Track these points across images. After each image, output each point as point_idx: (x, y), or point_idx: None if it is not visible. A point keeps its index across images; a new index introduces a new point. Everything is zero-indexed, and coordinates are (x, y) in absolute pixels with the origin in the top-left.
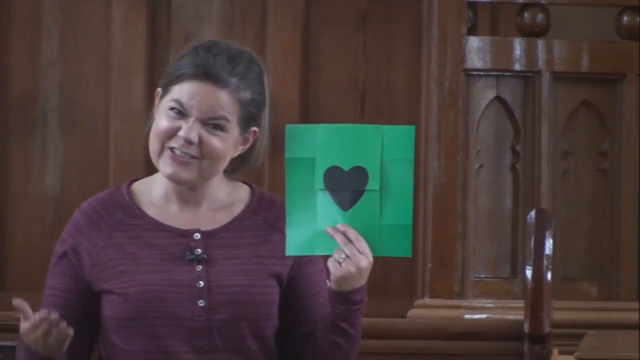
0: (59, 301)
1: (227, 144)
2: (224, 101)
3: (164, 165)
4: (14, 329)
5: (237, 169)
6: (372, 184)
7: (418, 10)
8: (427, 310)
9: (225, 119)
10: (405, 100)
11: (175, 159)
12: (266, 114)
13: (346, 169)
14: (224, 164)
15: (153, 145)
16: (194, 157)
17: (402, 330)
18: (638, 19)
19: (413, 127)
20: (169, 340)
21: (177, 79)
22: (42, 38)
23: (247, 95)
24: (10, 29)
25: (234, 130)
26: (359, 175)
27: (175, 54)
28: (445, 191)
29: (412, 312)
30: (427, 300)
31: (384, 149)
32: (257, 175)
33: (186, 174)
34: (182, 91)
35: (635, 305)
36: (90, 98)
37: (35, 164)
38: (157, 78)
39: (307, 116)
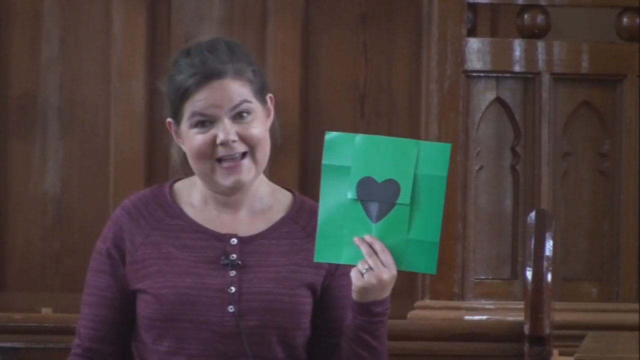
0: (100, 301)
1: (261, 124)
2: (235, 87)
3: (222, 179)
4: (15, 330)
5: None
6: (403, 197)
7: (418, 11)
8: (428, 312)
9: (247, 101)
10: (405, 101)
11: (229, 168)
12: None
13: (379, 180)
14: (269, 142)
15: (200, 167)
16: (243, 155)
17: (403, 331)
18: (638, 20)
19: (449, 145)
20: (197, 344)
21: (183, 98)
22: (42, 38)
23: (247, 71)
24: (11, 29)
25: (258, 108)
26: (391, 188)
27: (173, 59)
28: (445, 192)
29: (412, 313)
30: (427, 302)
31: (418, 163)
32: None
33: (246, 176)
34: (195, 104)
35: (636, 306)
36: (91, 98)
37: (35, 164)
38: (162, 110)
39: (307, 116)
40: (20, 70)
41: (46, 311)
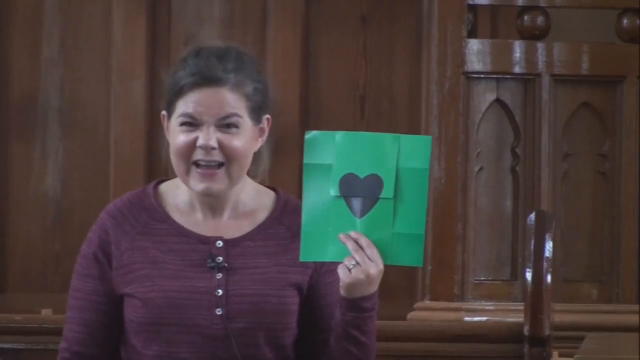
0: (87, 305)
1: (246, 140)
2: (230, 98)
3: (195, 182)
4: (15, 331)
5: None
6: (387, 192)
7: (418, 12)
8: (427, 313)
9: (237, 115)
10: (405, 102)
11: (203, 174)
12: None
13: (362, 176)
14: (249, 160)
15: (178, 165)
16: (220, 165)
17: (402, 333)
18: (638, 21)
19: (430, 137)
20: (186, 347)
21: (178, 94)
22: (43, 39)
23: (248, 86)
24: (11, 29)
25: (248, 124)
26: (374, 183)
27: (175, 57)
28: (445, 193)
29: (412, 315)
30: (427, 303)
31: (400, 157)
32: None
33: (217, 185)
34: (187, 103)
35: (636, 307)
36: (91, 99)
37: (35, 165)
38: (159, 102)
39: (307, 118)
40: (20, 71)
41: (46, 312)
